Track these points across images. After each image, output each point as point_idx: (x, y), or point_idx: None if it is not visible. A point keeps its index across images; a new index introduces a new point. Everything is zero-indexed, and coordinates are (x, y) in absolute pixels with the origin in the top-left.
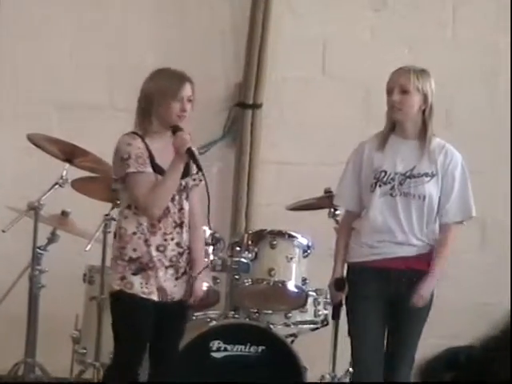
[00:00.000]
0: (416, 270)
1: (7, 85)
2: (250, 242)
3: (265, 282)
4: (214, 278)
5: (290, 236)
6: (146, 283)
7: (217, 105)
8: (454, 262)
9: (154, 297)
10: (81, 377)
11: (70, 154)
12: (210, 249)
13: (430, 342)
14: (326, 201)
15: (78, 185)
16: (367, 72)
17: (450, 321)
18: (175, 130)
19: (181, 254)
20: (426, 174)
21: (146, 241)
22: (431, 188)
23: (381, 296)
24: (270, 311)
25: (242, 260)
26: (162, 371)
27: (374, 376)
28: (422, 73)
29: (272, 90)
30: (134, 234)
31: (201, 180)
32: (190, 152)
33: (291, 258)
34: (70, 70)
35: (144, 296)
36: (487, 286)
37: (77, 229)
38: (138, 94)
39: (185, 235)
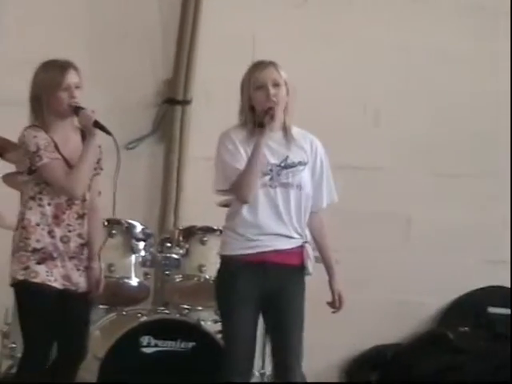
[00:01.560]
0: (291, 264)
1: None
2: (180, 238)
3: (195, 279)
4: (145, 274)
5: (221, 232)
6: (51, 272)
7: (146, 101)
8: (378, 259)
9: (59, 285)
10: (9, 372)
11: (0, 147)
12: (141, 244)
13: (356, 341)
14: None
15: (9, 179)
16: (292, 70)
17: (375, 319)
18: (76, 110)
19: (82, 246)
20: (300, 163)
21: (49, 232)
22: (306, 176)
23: (256, 291)
24: (200, 307)
25: (173, 256)
26: (68, 361)
27: (246, 376)
28: (279, 65)
29: (201, 86)
30: (38, 225)
31: (102, 169)
32: (97, 124)
33: None
34: None
35: (50, 283)
36: (411, 283)
37: (7, 223)
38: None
39: (85, 227)
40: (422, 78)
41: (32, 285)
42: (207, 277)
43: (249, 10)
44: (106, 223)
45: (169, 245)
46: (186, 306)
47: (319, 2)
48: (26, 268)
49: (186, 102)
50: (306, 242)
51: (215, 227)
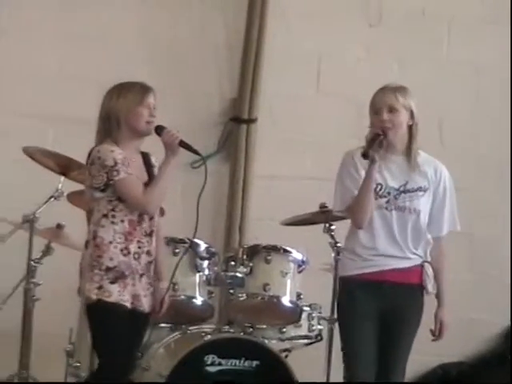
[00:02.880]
0: (409, 283)
1: (1, 97)
2: (244, 257)
3: (259, 297)
4: (209, 292)
5: (285, 251)
6: (123, 291)
7: (212, 119)
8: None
9: (129, 304)
10: None
11: (65, 167)
12: (205, 263)
13: (422, 359)
14: (321, 216)
15: (73, 198)
16: (360, 88)
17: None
18: (160, 129)
19: (150, 263)
20: (420, 189)
21: (122, 250)
22: (424, 202)
23: (374, 310)
24: (264, 326)
25: (237, 274)
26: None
27: None
28: (404, 90)
29: (266, 105)
30: (111, 243)
31: None
32: (183, 143)
33: (286, 273)
34: (60, 83)
35: (122, 303)
36: (474, 302)
37: (72, 242)
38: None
39: (153, 244)
40: (493, 98)
41: (107, 304)
42: (271, 295)
43: (315, 27)
44: (170, 242)
45: (233, 263)
46: (250, 325)
47: (393, 22)
48: (100, 287)
49: (251, 121)
50: (425, 261)
51: (279, 246)
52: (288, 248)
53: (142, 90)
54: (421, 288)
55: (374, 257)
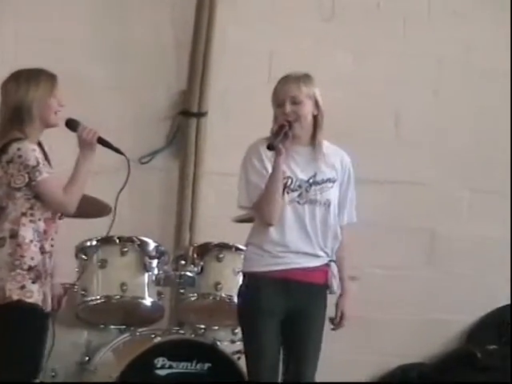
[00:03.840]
0: (316, 283)
1: None
2: (195, 256)
3: (211, 297)
4: (158, 293)
5: (237, 249)
6: (40, 291)
7: (160, 113)
8: (401, 276)
9: (42, 304)
10: None
11: None
12: (155, 262)
13: (381, 360)
14: None
15: None
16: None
17: (400, 338)
18: (74, 123)
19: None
20: (329, 180)
21: (40, 248)
22: (334, 193)
23: (279, 308)
24: (216, 327)
25: (187, 274)
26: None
27: None
28: (308, 78)
29: (217, 98)
30: (31, 241)
31: None
32: (102, 141)
33: (238, 272)
34: None
35: (39, 303)
36: (435, 301)
37: None
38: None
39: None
40: (461, 92)
41: (26, 305)
42: (223, 295)
43: (266, 21)
44: (117, 241)
45: (183, 262)
46: (201, 326)
47: (347, 16)
48: (23, 287)
49: (201, 115)
50: (331, 260)
51: (231, 244)
52: (240, 246)
53: (51, 78)
54: (326, 288)
55: (283, 253)
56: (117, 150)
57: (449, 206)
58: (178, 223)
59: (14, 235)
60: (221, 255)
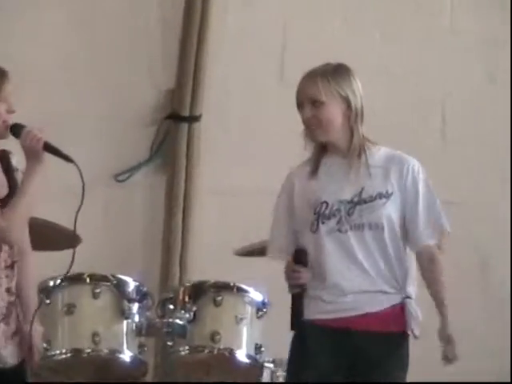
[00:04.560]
0: (386, 331)
1: None
2: (186, 298)
3: (207, 351)
4: (140, 345)
5: (240, 290)
6: None
7: (142, 117)
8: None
9: None
10: None
11: None
12: (135, 306)
13: None
14: None
15: None
16: None
17: None
18: (16, 129)
19: (12, 305)
20: (381, 195)
21: None
22: (389, 211)
23: (336, 367)
24: None
25: (177, 321)
26: None
27: None
28: (333, 72)
29: (213, 98)
30: None
31: None
32: (48, 147)
33: (241, 319)
34: None
35: None
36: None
37: None
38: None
39: (15, 278)
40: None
41: None
42: (222, 347)
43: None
44: (88, 279)
45: (172, 307)
46: None
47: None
48: None
49: (193, 119)
50: (407, 297)
51: (232, 283)
52: (243, 286)
53: None
54: (402, 335)
55: (334, 297)
56: (66, 158)
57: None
58: (164, 256)
59: None
60: (219, 298)
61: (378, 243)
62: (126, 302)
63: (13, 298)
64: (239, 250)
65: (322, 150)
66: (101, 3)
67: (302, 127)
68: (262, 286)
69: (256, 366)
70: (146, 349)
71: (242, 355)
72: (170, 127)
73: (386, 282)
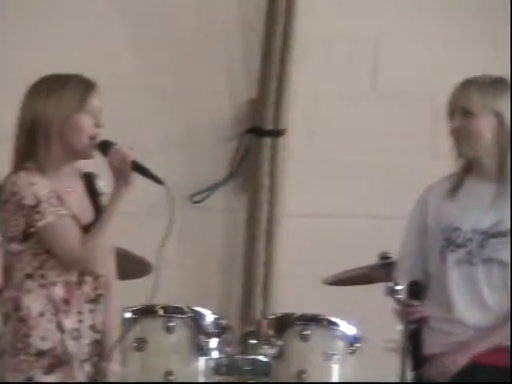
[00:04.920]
0: (499, 366)
1: None
2: (270, 332)
3: None
4: None
5: (330, 323)
6: None
7: (221, 131)
8: None
9: None
10: None
11: None
12: (214, 342)
13: None
14: (380, 271)
15: None
16: (437, 83)
17: None
18: (105, 146)
19: (98, 342)
20: None
21: (58, 325)
22: None
23: None
24: None
25: (260, 358)
26: None
27: None
28: (494, 85)
29: (299, 110)
30: (42, 315)
31: None
32: (137, 166)
33: (331, 356)
34: None
35: None
36: None
37: None
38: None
39: (100, 315)
40: None
41: None
42: None
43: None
44: (161, 312)
45: (254, 342)
46: None
47: None
48: (29, 379)
49: (277, 133)
50: None
51: (321, 316)
52: (334, 319)
53: (84, 86)
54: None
55: (461, 331)
56: (156, 179)
57: None
58: (246, 286)
59: (16, 306)
60: (306, 332)
61: (504, 282)
62: (202, 337)
63: (98, 337)
64: (329, 279)
65: (467, 169)
66: (177, 9)
67: (398, 143)
68: (353, 319)
69: None
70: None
71: None
72: (251, 142)
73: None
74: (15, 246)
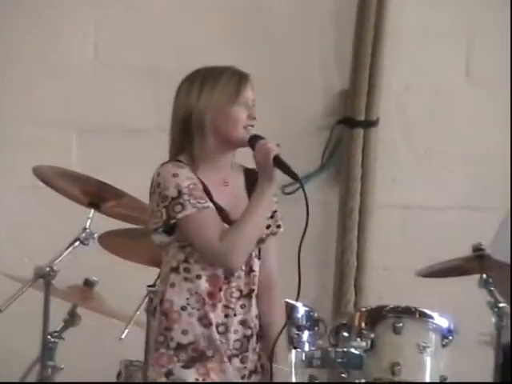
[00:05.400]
0: None
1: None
2: (363, 325)
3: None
4: (311, 377)
5: (423, 315)
6: (204, 379)
7: (313, 122)
8: None
9: None
10: None
11: (96, 195)
12: (305, 334)
13: None
14: (474, 263)
15: (109, 241)
16: None
17: None
18: (253, 141)
19: (248, 338)
20: None
21: (201, 318)
22: None
23: None
24: None
25: (352, 351)
26: None
27: None
28: None
29: (392, 100)
30: (184, 308)
31: (278, 226)
32: (278, 161)
33: (425, 348)
34: (94, 82)
35: None
36: None
37: (106, 306)
38: None
39: (253, 310)
40: None
41: None
42: (404, 380)
43: None
44: None
45: (346, 334)
46: None
47: None
48: (169, 373)
49: (370, 124)
50: None
51: (414, 308)
52: (427, 311)
53: (238, 78)
54: None
55: None
56: (294, 176)
57: None
58: (338, 278)
59: (161, 300)
60: (399, 324)
61: None
62: (294, 330)
63: (249, 332)
64: (422, 271)
65: None
66: (271, 0)
67: (492, 133)
68: (447, 311)
69: None
70: (317, 382)
71: None
72: (343, 133)
73: None
74: (161, 239)
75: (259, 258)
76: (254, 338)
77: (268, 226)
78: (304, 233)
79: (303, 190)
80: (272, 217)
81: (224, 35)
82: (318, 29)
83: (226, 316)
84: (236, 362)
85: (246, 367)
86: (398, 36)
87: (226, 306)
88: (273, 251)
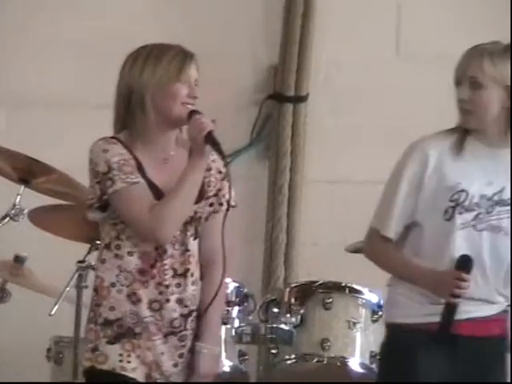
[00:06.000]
0: (490, 336)
1: None
2: (292, 301)
3: (315, 359)
4: (241, 354)
5: (353, 291)
6: (129, 355)
7: (242, 97)
8: None
9: (140, 376)
10: None
11: (25, 171)
12: (235, 311)
13: None
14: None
15: (39, 217)
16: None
17: None
18: (190, 116)
19: (185, 317)
20: None
21: (130, 295)
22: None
23: (442, 374)
24: None
25: (282, 326)
26: None
27: None
28: (503, 54)
29: (321, 75)
30: (113, 285)
31: (221, 204)
32: (209, 138)
33: (354, 324)
34: (24, 55)
35: (124, 373)
36: None
37: (37, 282)
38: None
39: (190, 289)
40: None
41: (100, 375)
42: (333, 356)
43: None
44: None
45: (276, 310)
46: None
47: None
48: (94, 349)
49: (299, 99)
50: (509, 305)
51: (344, 283)
52: (357, 286)
53: (182, 56)
54: (502, 340)
55: None
56: (222, 156)
57: None
58: (267, 254)
59: (96, 276)
60: (329, 300)
61: (506, 251)
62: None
63: (186, 311)
64: (351, 247)
65: (466, 130)
66: None
67: (421, 108)
68: (376, 286)
69: (370, 376)
70: (247, 358)
71: (354, 364)
72: (272, 108)
73: (499, 293)
74: (95, 215)
75: (195, 238)
76: (193, 317)
77: (211, 204)
78: (227, 211)
79: (228, 173)
80: (216, 195)
81: (151, 10)
82: (247, 3)
83: (161, 293)
84: (174, 340)
85: (184, 345)
86: (327, 11)
87: (160, 284)
88: (217, 229)
